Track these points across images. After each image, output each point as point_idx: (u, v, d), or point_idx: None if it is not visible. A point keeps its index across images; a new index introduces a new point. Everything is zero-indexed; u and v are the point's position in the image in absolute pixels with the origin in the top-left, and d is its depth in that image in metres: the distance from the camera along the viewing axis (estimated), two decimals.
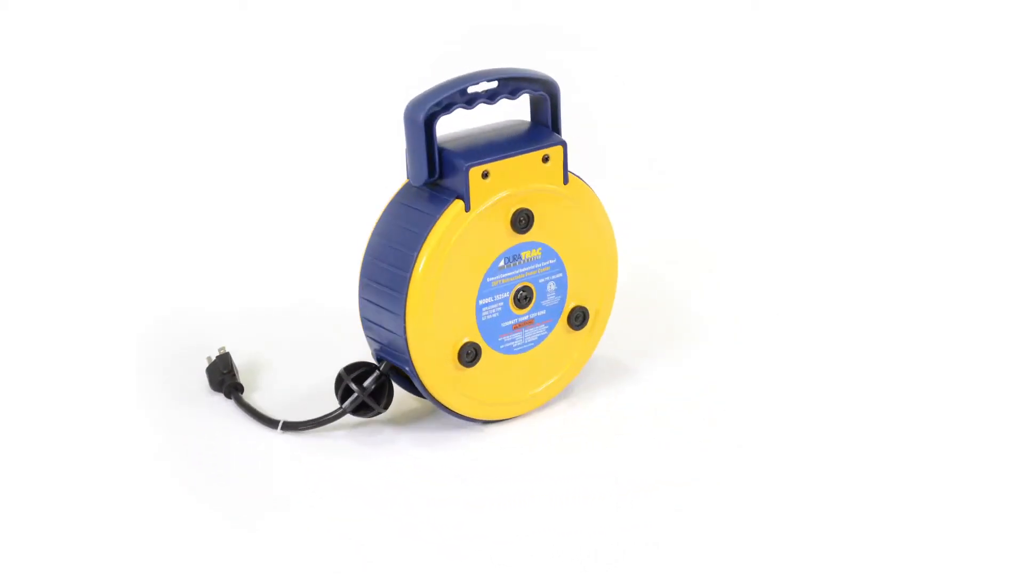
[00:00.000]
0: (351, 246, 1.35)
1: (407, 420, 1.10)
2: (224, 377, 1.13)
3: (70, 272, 1.37)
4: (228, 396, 1.13)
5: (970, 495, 0.99)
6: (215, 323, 1.26)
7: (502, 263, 1.06)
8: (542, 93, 1.06)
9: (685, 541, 0.95)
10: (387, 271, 1.04)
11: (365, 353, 1.10)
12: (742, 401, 1.12)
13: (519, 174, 1.04)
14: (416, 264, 1.02)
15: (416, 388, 1.06)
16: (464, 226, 1.03)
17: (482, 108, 1.06)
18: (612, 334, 1.13)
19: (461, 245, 1.03)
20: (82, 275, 1.36)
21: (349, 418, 1.08)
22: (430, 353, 1.04)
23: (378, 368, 1.06)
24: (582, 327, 1.11)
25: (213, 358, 1.14)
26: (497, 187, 1.04)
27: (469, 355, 1.06)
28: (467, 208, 1.03)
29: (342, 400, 1.07)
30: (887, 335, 1.22)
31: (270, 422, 1.08)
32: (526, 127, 1.08)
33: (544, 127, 1.07)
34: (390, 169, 1.18)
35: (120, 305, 1.31)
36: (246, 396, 1.13)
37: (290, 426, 1.07)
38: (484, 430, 1.08)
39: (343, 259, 1.36)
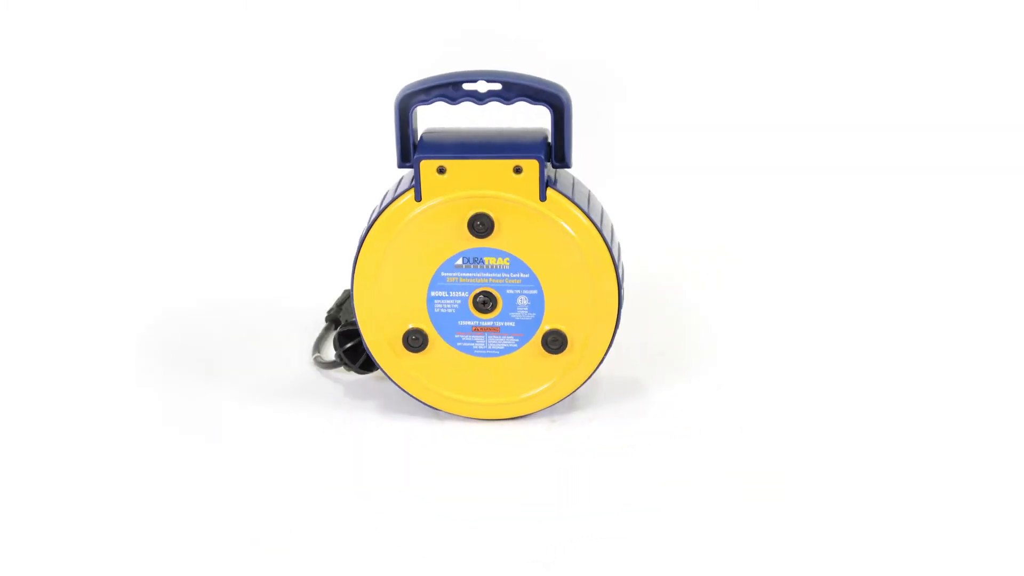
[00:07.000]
0: (347, 243, 1.35)
1: (404, 420, 1.10)
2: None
3: (67, 270, 1.38)
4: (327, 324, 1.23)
5: (973, 504, 0.98)
6: (212, 319, 1.26)
7: (460, 261, 1.06)
8: (543, 105, 1.03)
9: (685, 541, 0.95)
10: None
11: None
12: (742, 401, 1.12)
13: (484, 178, 1.03)
14: (364, 239, 1.05)
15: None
16: (411, 215, 1.04)
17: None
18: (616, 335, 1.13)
19: (409, 233, 1.05)
20: (80, 272, 1.37)
21: (348, 414, 1.11)
22: (378, 329, 1.08)
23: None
24: (558, 352, 1.08)
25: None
26: (454, 186, 1.03)
27: (416, 340, 1.08)
28: (417, 198, 1.04)
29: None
30: (892, 338, 1.23)
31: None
32: (531, 136, 1.06)
33: (545, 140, 1.06)
34: (386, 167, 1.18)
35: (117, 300, 1.32)
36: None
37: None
38: (486, 426, 1.09)
39: (338, 255, 1.37)
